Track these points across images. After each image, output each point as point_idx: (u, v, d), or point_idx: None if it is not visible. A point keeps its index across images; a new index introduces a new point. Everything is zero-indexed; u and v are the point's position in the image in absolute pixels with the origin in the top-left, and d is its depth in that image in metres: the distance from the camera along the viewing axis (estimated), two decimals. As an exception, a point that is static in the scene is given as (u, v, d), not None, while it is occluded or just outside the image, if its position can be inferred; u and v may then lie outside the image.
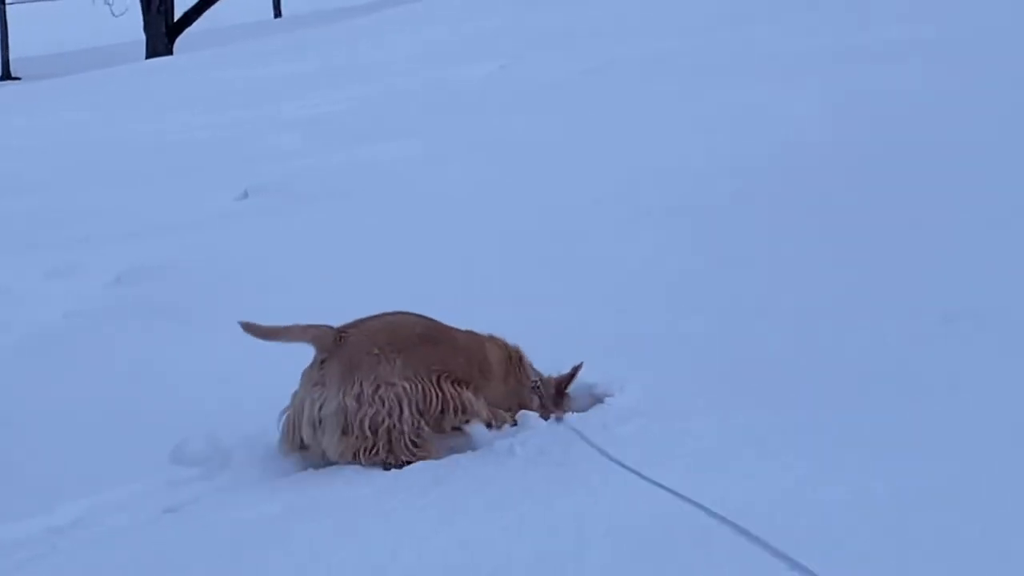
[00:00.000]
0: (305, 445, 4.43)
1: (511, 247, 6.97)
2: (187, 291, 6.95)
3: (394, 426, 4.32)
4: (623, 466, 3.81)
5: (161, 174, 10.52)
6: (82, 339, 6.41)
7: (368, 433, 4.31)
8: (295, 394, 4.46)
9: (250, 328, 4.41)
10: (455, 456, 4.35)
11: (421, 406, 4.38)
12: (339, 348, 4.35)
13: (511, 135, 9.91)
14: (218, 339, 5.98)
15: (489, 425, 4.51)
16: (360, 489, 4.15)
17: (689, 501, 3.48)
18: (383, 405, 4.31)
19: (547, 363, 4.88)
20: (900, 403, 4.22)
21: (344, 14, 26.54)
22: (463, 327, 4.69)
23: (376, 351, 4.35)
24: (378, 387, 4.32)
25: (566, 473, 3.95)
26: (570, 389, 4.81)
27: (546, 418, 4.63)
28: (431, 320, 4.60)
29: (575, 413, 4.63)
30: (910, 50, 10.33)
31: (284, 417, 4.48)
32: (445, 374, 4.47)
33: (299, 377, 4.46)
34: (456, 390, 4.47)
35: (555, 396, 4.80)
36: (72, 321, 6.72)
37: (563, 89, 11.80)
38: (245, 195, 9.25)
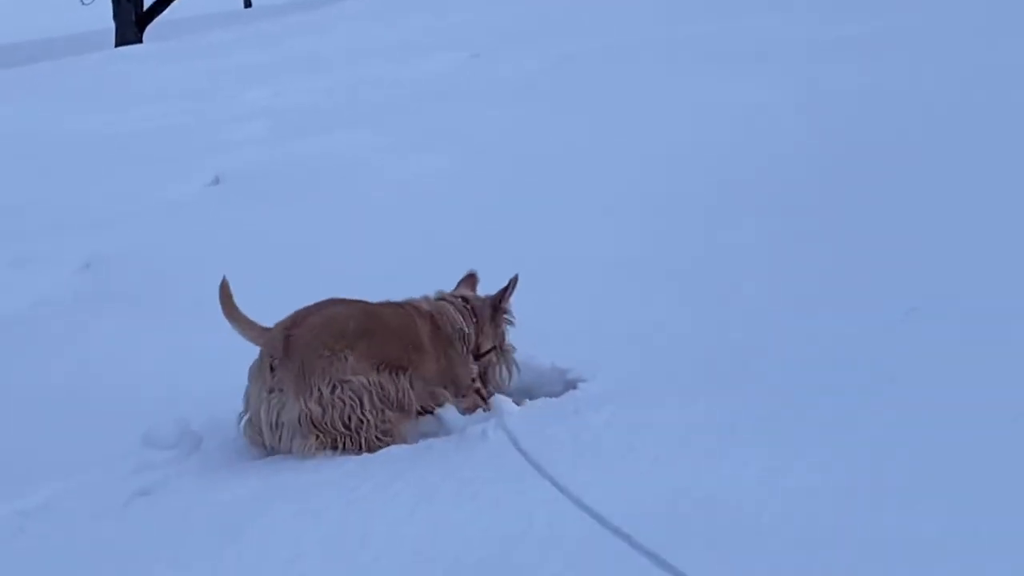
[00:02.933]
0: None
1: (481, 236, 6.97)
2: (155, 278, 6.93)
3: (361, 420, 4.35)
4: (547, 476, 3.82)
5: (127, 162, 10.50)
6: (51, 326, 6.39)
7: (342, 429, 4.33)
8: (247, 396, 4.47)
9: (224, 289, 4.38)
10: (427, 440, 4.36)
11: (379, 395, 4.41)
12: (289, 353, 4.34)
13: (483, 125, 9.91)
14: (187, 325, 5.98)
15: (428, 411, 4.55)
16: (330, 473, 4.16)
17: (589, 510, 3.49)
18: (344, 404, 4.34)
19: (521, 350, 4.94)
20: (866, 391, 4.25)
21: (314, 4, 26.49)
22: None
23: (327, 352, 4.35)
24: (335, 387, 4.34)
25: (537, 458, 3.96)
26: (509, 304, 4.88)
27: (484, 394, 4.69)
28: (362, 304, 4.59)
29: (547, 398, 4.65)
30: (881, 44, 10.39)
31: (244, 420, 4.50)
32: (385, 363, 4.48)
33: (247, 373, 4.47)
34: (395, 378, 4.48)
35: (492, 315, 4.85)
36: (40, 309, 6.70)
37: (535, 80, 11.81)
38: (216, 181, 9.25)
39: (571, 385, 4.69)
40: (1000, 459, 3.61)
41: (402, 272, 6.37)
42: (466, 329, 4.77)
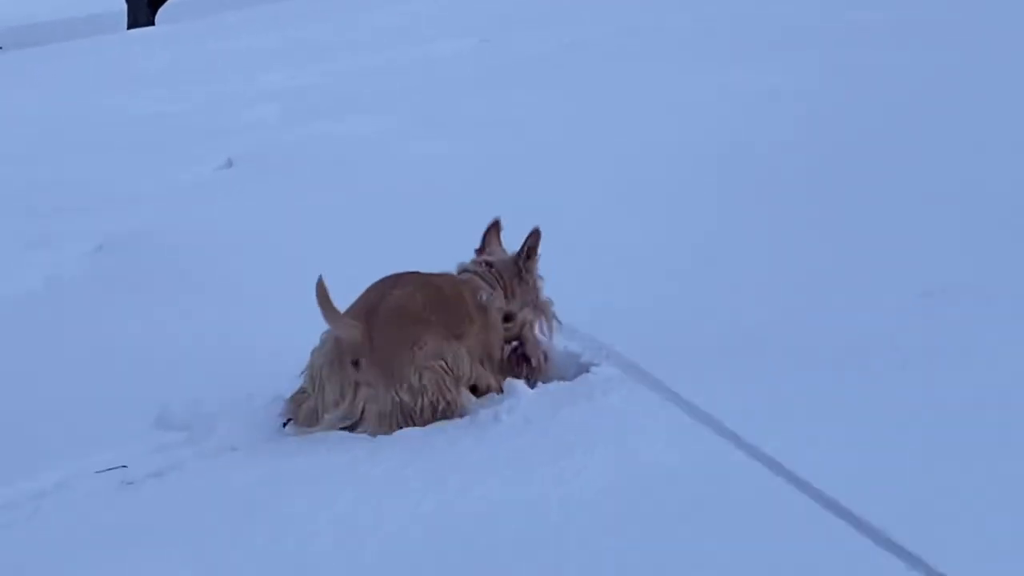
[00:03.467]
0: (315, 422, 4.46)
1: (487, 221, 6.96)
2: (168, 259, 6.95)
3: (448, 402, 4.39)
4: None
5: (140, 144, 10.51)
6: (64, 307, 6.41)
7: (429, 416, 4.36)
8: (320, 388, 4.43)
9: (321, 287, 4.30)
10: (440, 423, 4.36)
11: (457, 372, 4.44)
12: (373, 346, 4.33)
13: (493, 111, 9.91)
14: (199, 307, 6.00)
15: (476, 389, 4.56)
16: (342, 456, 4.16)
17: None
18: (434, 388, 4.36)
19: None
20: (880, 374, 4.26)
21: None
22: None
23: (408, 341, 4.36)
24: (421, 374, 4.35)
25: (550, 442, 3.97)
26: (535, 259, 4.82)
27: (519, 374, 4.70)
28: (420, 279, 4.58)
29: (560, 381, 4.65)
30: (892, 32, 10.37)
31: (305, 406, 4.48)
32: (453, 334, 4.48)
33: (316, 365, 4.45)
34: (459, 347, 4.48)
35: (517, 273, 4.81)
36: (54, 289, 6.71)
37: (544, 64, 11.80)
38: (229, 164, 9.27)
39: (584, 369, 4.69)
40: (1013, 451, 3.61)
41: (411, 252, 6.38)
42: (497, 303, 4.75)
